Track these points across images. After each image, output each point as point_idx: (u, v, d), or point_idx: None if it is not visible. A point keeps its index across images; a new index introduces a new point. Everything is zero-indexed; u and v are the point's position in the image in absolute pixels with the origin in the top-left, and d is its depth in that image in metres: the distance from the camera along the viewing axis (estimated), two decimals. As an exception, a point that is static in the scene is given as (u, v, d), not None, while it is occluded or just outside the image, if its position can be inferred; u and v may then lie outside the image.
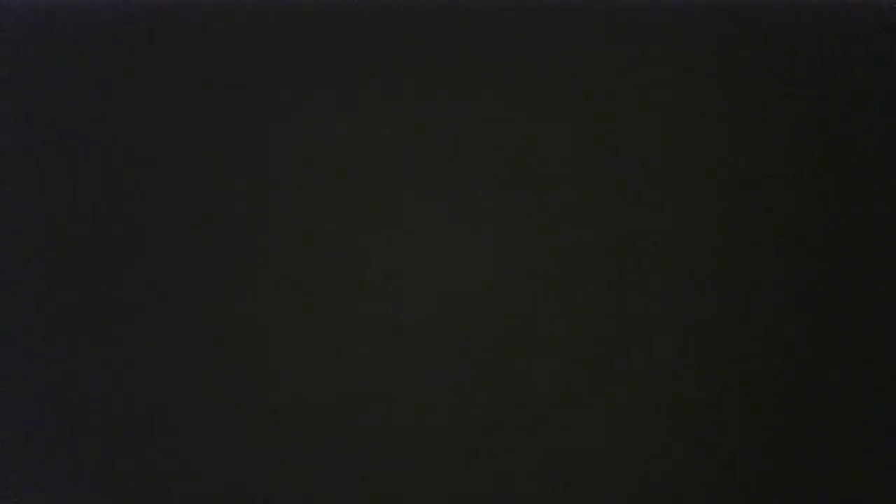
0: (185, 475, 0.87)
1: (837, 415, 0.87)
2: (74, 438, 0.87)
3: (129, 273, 0.87)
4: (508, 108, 0.88)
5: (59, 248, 0.88)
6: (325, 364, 0.87)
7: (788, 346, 0.88)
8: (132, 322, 0.87)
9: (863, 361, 0.88)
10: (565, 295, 0.87)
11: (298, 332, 0.87)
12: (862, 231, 0.88)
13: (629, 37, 0.88)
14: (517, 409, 0.87)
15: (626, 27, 0.88)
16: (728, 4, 0.89)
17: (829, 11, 0.89)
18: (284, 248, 0.88)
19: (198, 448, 0.87)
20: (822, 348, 0.88)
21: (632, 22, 0.88)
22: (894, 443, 0.87)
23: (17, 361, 0.88)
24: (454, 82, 0.88)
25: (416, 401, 0.87)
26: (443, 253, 0.88)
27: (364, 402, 0.87)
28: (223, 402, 0.87)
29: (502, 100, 0.88)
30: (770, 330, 0.88)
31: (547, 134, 0.88)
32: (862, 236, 0.88)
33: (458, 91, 0.88)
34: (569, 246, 0.88)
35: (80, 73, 0.88)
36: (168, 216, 0.88)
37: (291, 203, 0.88)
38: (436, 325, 0.87)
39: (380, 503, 0.87)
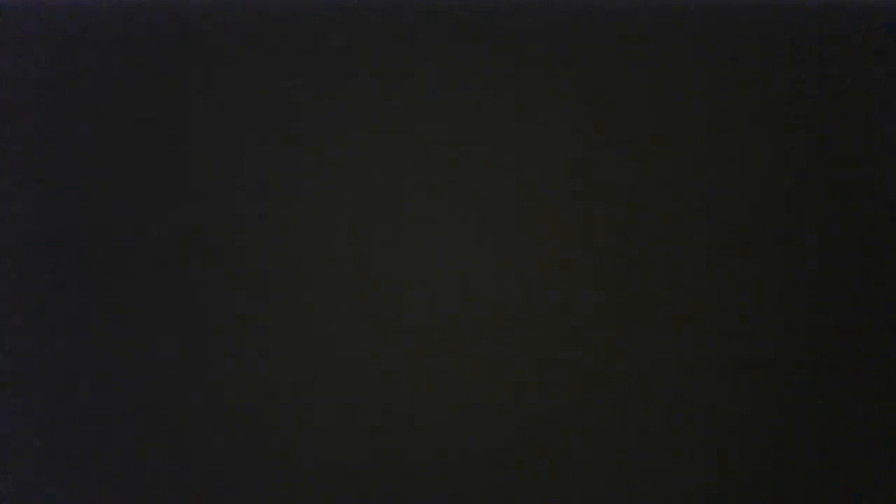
0: (185, 475, 0.87)
1: (838, 415, 0.87)
2: (74, 437, 0.87)
3: (129, 273, 0.87)
4: (509, 107, 0.88)
5: (60, 248, 0.87)
6: (325, 363, 0.87)
7: (789, 346, 0.88)
8: (132, 322, 0.87)
9: (863, 361, 0.88)
10: (566, 295, 0.87)
11: (298, 331, 0.87)
12: (862, 231, 0.88)
13: (629, 37, 0.88)
14: (517, 408, 0.87)
15: (627, 27, 0.88)
16: (728, 4, 0.89)
17: (829, 11, 0.89)
18: (284, 247, 0.88)
19: (197, 448, 0.87)
20: (823, 348, 0.88)
21: (632, 22, 0.88)
22: (894, 443, 0.87)
23: (17, 361, 0.88)
24: (454, 82, 0.88)
25: (415, 401, 0.87)
26: (442, 253, 0.88)
27: (364, 402, 0.87)
28: (223, 401, 0.87)
29: (502, 99, 0.88)
30: (770, 330, 0.88)
31: (548, 134, 0.88)
32: (862, 236, 0.88)
33: (458, 91, 0.88)
34: (569, 246, 0.88)
35: (81, 73, 0.88)
36: (167, 216, 0.88)
37: (291, 202, 0.88)
38: (435, 325, 0.87)
39: (379, 503, 0.87)
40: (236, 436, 0.87)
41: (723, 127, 0.88)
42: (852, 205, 0.88)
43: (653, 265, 0.87)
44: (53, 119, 0.88)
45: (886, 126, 0.88)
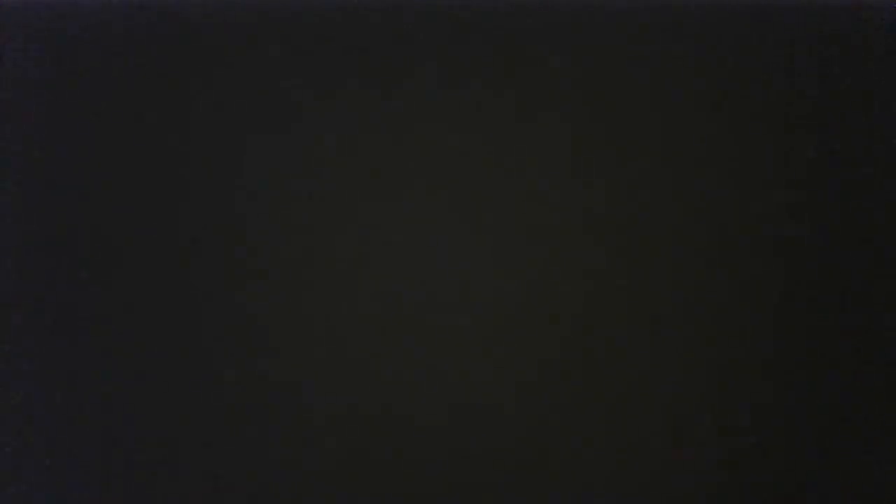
0: (185, 475, 0.87)
1: (837, 415, 0.87)
2: (74, 438, 0.87)
3: (129, 273, 0.87)
4: (509, 107, 0.88)
5: (60, 248, 0.88)
6: (325, 363, 0.87)
7: (789, 346, 0.88)
8: (132, 322, 0.87)
9: (863, 361, 0.88)
10: (566, 295, 0.87)
11: (298, 331, 0.87)
12: (862, 231, 0.88)
13: (629, 37, 0.88)
14: (517, 408, 0.87)
15: (627, 27, 0.88)
16: (728, 4, 0.89)
17: (829, 11, 0.89)
18: (284, 247, 0.88)
19: (198, 448, 0.87)
20: (823, 348, 0.88)
21: (632, 22, 0.88)
22: (894, 443, 0.87)
23: (17, 361, 0.88)
24: (454, 82, 0.88)
25: (415, 401, 0.87)
26: (442, 253, 0.88)
27: (364, 402, 0.87)
28: (223, 401, 0.87)
29: (502, 99, 0.88)
30: (770, 330, 0.88)
31: (547, 134, 0.88)
32: (862, 236, 0.88)
33: (458, 91, 0.88)
34: (569, 245, 0.88)
35: (81, 73, 0.88)
36: (168, 216, 0.88)
37: (291, 202, 0.88)
38: (435, 325, 0.87)
39: (379, 503, 0.87)
40: (236, 436, 0.87)
41: (723, 127, 0.88)
42: (852, 205, 0.88)
43: (653, 265, 0.87)
44: (53, 119, 0.88)
45: (886, 126, 0.88)
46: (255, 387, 0.87)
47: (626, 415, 0.87)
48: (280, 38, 0.88)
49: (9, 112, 0.88)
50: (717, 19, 0.88)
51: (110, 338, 0.87)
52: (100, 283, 0.87)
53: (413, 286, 0.87)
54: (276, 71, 0.88)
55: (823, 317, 0.87)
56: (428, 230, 0.88)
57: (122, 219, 0.88)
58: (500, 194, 0.88)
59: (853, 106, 0.88)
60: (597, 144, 0.88)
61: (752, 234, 0.88)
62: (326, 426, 0.87)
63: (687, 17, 0.88)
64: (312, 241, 0.88)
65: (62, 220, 0.88)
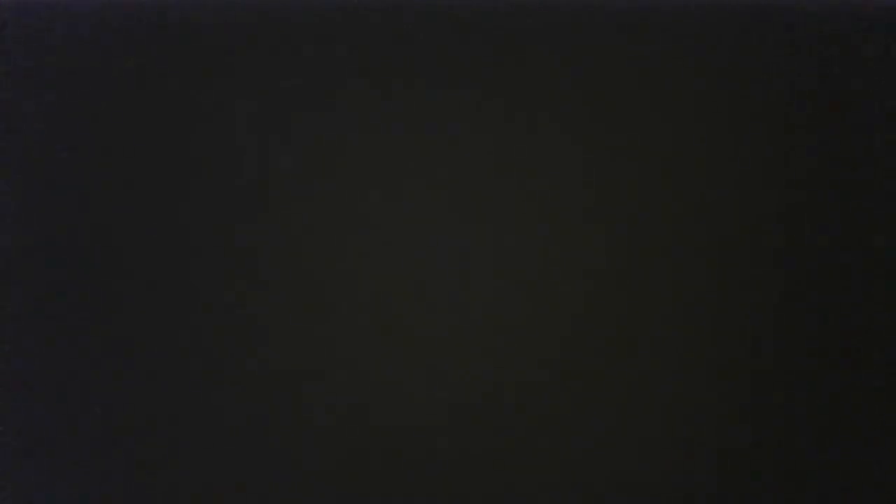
0: (185, 475, 0.87)
1: (838, 415, 0.87)
2: (74, 437, 0.87)
3: (129, 273, 0.87)
4: (509, 107, 0.88)
5: (60, 248, 0.87)
6: (325, 364, 0.87)
7: (789, 346, 0.88)
8: (132, 322, 0.87)
9: (863, 361, 0.88)
10: (566, 295, 0.87)
11: (298, 332, 0.87)
12: (862, 231, 0.88)
13: (629, 37, 0.88)
14: (517, 408, 0.87)
15: (627, 27, 0.88)
16: (728, 4, 0.89)
17: (829, 11, 0.89)
18: (284, 247, 0.88)
19: (198, 448, 0.87)
20: (823, 348, 0.88)
21: (632, 22, 0.88)
22: (895, 443, 0.87)
23: (17, 361, 0.88)
24: (454, 82, 0.88)
25: (415, 401, 0.87)
26: (442, 253, 0.88)
27: (364, 402, 0.87)
28: (223, 401, 0.87)
29: (502, 99, 0.88)
30: (770, 330, 0.88)
31: (547, 134, 0.88)
32: (862, 236, 0.88)
33: (458, 91, 0.88)
34: (569, 245, 0.88)
35: (80, 73, 0.88)
36: (168, 216, 0.88)
37: (291, 202, 0.88)
38: (436, 325, 0.87)
39: (379, 502, 0.87)
40: (236, 436, 0.87)
41: (723, 127, 0.88)
42: (852, 205, 0.88)
43: (653, 265, 0.87)
44: (53, 119, 0.88)
45: (886, 126, 0.88)
46: (255, 387, 0.87)
47: (626, 415, 0.87)
48: (280, 38, 0.88)
49: (9, 112, 0.88)
50: (717, 19, 0.88)
51: (110, 338, 0.87)
52: (100, 283, 0.87)
53: (413, 286, 0.87)
54: (276, 71, 0.88)
55: (823, 317, 0.87)
56: (428, 230, 0.88)
57: (122, 219, 0.88)
58: (500, 194, 0.88)
59: (853, 106, 0.88)
60: (597, 144, 0.88)
61: (752, 234, 0.88)
62: (326, 426, 0.87)
63: (687, 17, 0.88)
64: (312, 241, 0.88)
65: (62, 220, 0.88)
